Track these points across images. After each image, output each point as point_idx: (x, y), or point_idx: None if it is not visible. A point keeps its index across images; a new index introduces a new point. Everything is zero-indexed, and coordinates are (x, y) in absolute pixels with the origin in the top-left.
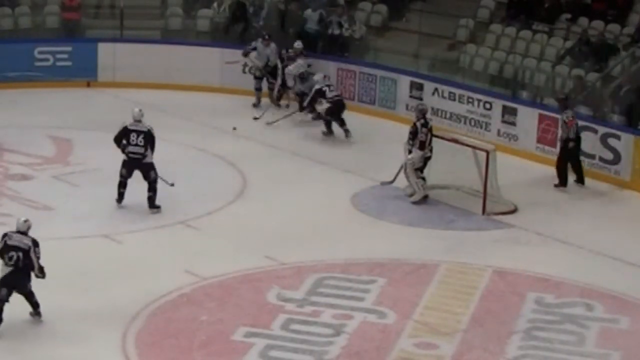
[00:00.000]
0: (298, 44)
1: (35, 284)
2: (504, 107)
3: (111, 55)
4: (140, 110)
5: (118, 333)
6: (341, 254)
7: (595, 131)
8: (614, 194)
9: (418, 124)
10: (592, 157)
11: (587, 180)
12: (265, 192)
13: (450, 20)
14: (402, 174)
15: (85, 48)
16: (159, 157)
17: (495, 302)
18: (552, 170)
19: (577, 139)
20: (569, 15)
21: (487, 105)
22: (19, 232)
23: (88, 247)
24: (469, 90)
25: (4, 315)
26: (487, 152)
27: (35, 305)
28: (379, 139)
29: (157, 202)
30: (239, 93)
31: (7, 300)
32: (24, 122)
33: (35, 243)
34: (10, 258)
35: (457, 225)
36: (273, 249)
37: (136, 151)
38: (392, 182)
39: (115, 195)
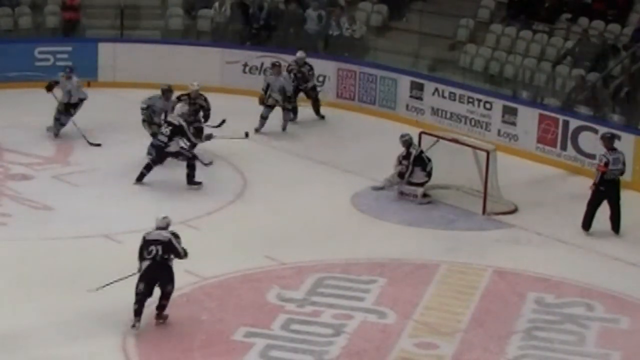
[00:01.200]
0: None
1: (34, 284)
2: (504, 107)
3: (111, 55)
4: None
5: (118, 333)
6: (341, 254)
7: (596, 131)
8: None
9: (400, 157)
10: (592, 157)
11: (587, 180)
12: (266, 192)
13: (450, 20)
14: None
15: (85, 48)
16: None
17: (496, 302)
18: (552, 170)
19: (613, 183)
20: (569, 15)
21: (488, 105)
22: (158, 228)
23: (88, 247)
24: (469, 90)
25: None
26: (488, 152)
27: (161, 307)
28: (379, 139)
29: (154, 202)
30: (240, 93)
31: (148, 295)
32: (24, 122)
33: (175, 235)
34: (150, 252)
35: (458, 225)
36: (273, 249)
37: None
38: (382, 187)
39: (114, 194)
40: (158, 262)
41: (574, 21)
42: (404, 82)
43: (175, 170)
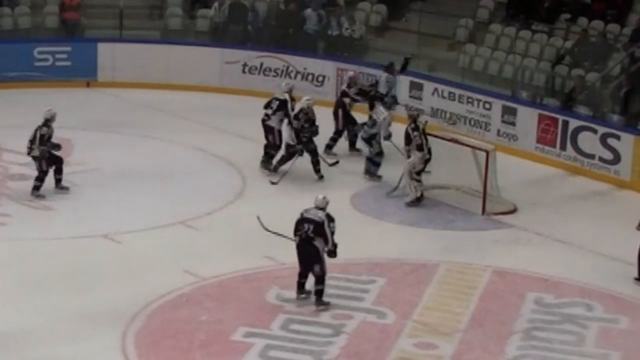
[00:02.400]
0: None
1: (33, 284)
2: (504, 107)
3: (111, 55)
4: None
5: (118, 333)
6: (341, 254)
7: (595, 131)
8: (613, 194)
9: (409, 129)
10: (592, 157)
11: (586, 180)
12: (265, 192)
13: (449, 20)
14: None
15: (84, 48)
16: (157, 158)
17: (495, 302)
18: (551, 170)
19: None
20: (568, 15)
21: (487, 105)
22: (316, 207)
23: (88, 247)
24: (468, 90)
25: None
26: (487, 152)
27: (317, 292)
28: None
29: (154, 202)
30: (238, 93)
31: (304, 276)
32: (23, 122)
33: (330, 218)
34: (301, 229)
35: (457, 225)
36: (272, 249)
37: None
38: (395, 188)
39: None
40: (304, 240)
41: (573, 21)
42: (404, 82)
43: (174, 170)
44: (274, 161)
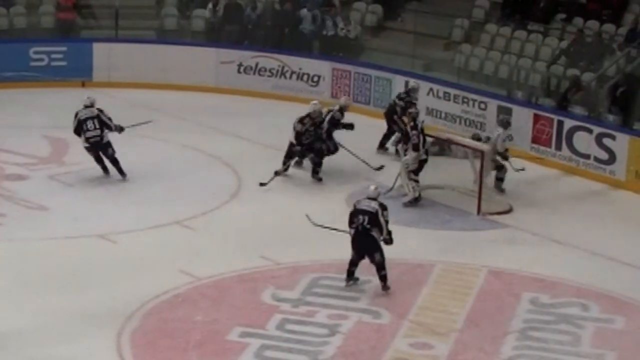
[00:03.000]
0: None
1: (29, 284)
2: (499, 107)
3: (106, 55)
4: None
5: (114, 333)
6: (336, 254)
7: (591, 131)
8: (609, 194)
9: (407, 128)
10: (587, 157)
11: (582, 180)
12: (261, 192)
13: (445, 20)
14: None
15: (80, 48)
16: (153, 158)
17: (491, 302)
18: (546, 170)
19: None
20: (564, 15)
21: (482, 105)
22: (368, 198)
23: (83, 247)
24: (464, 90)
25: None
26: (482, 153)
27: (381, 278)
28: (373, 139)
29: (149, 202)
30: (234, 93)
31: (356, 261)
32: (19, 122)
33: (384, 207)
34: (356, 221)
35: (453, 225)
36: (268, 249)
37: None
38: (391, 189)
39: (108, 194)
40: (361, 232)
41: (568, 21)
42: (399, 82)
43: (170, 169)
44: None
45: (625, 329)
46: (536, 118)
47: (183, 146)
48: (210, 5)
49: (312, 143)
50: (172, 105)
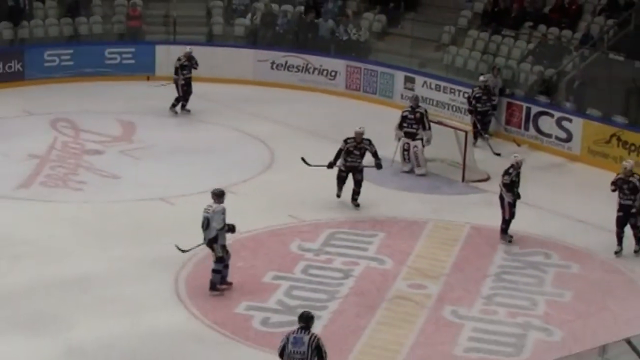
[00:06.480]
0: None
1: (104, 237)
2: None
3: (166, 55)
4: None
5: (171, 277)
6: (349, 214)
7: (552, 115)
8: (567, 166)
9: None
10: (550, 136)
11: (545, 155)
12: (289, 164)
13: (436, 27)
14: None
15: (145, 49)
16: (204, 137)
17: (473, 251)
18: (514, 146)
19: None
20: (531, 23)
21: (466, 95)
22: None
23: (147, 208)
24: (451, 83)
25: None
26: (466, 132)
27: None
28: (379, 122)
29: (201, 172)
30: (268, 85)
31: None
32: (96, 108)
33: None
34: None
35: (442, 190)
36: (295, 210)
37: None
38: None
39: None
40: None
41: (534, 28)
42: (399, 76)
43: (217, 147)
44: None
45: (580, 273)
46: (509, 105)
47: (227, 127)
48: (249, 15)
49: (356, 174)
50: (218, 95)
